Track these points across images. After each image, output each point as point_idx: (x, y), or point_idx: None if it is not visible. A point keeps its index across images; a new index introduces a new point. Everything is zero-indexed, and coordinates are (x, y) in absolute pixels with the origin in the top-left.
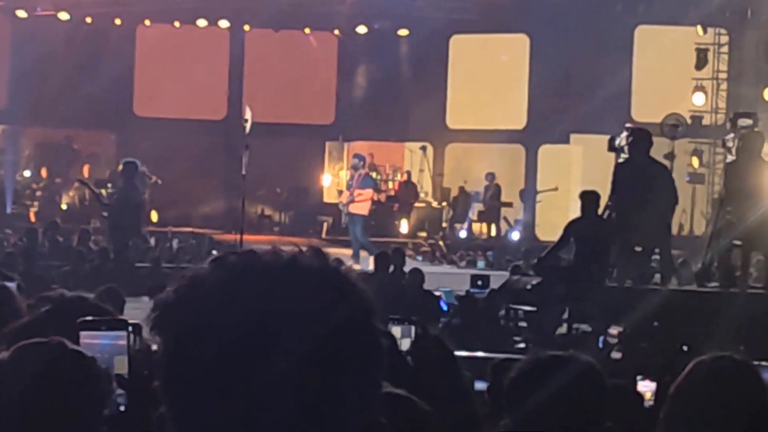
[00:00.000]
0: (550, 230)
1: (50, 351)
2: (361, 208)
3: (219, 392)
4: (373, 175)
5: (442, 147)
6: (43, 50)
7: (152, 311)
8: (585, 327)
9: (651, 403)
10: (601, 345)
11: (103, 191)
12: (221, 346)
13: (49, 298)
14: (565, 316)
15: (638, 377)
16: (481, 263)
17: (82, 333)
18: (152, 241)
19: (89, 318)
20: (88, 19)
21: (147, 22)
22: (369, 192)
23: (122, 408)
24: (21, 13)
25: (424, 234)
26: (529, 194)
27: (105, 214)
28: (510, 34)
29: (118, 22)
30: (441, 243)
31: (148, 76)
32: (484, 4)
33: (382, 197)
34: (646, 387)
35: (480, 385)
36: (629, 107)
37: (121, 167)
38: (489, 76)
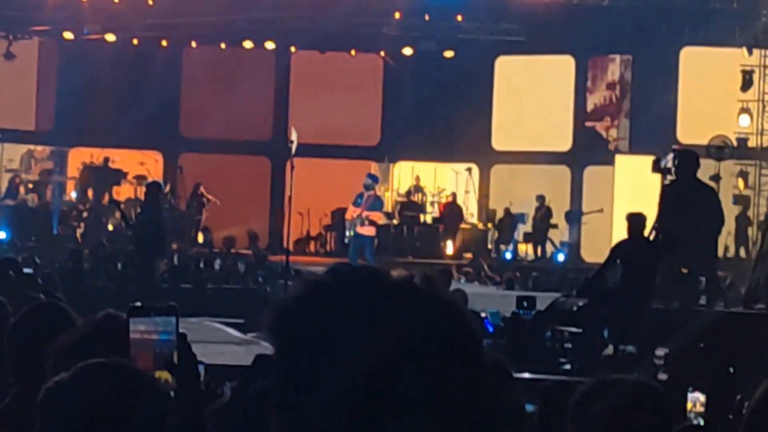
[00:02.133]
0: (595, 252)
1: (111, 372)
2: (369, 229)
3: (330, 401)
4: (417, 197)
5: (488, 168)
6: (90, 72)
7: (269, 314)
8: (631, 348)
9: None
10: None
11: None
12: (339, 357)
13: (95, 320)
14: (612, 337)
15: (689, 389)
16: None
17: (132, 321)
18: (201, 262)
19: (138, 304)
20: (135, 41)
21: (193, 44)
22: (378, 215)
23: (171, 393)
24: (68, 35)
25: (469, 255)
26: (574, 216)
27: (130, 233)
28: (556, 56)
29: (164, 44)
30: (485, 265)
31: (194, 97)
32: (530, 25)
33: (428, 218)
34: (696, 399)
35: (528, 408)
36: (675, 129)
37: (145, 188)
38: (535, 97)
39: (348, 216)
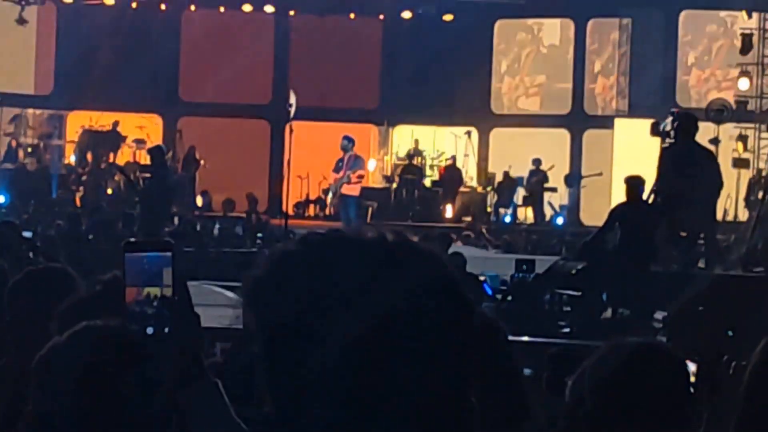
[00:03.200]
0: (595, 215)
1: (106, 335)
2: (353, 189)
3: (312, 365)
4: (416, 160)
5: (487, 132)
6: (89, 36)
7: (243, 288)
8: (629, 311)
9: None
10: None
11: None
12: (313, 321)
13: (102, 281)
14: (610, 300)
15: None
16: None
17: (127, 255)
18: (198, 225)
19: (133, 240)
20: (134, 5)
21: (192, 8)
22: (362, 172)
23: (167, 330)
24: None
25: (469, 219)
26: (573, 179)
27: (137, 199)
28: (555, 19)
29: (163, 7)
30: (483, 229)
31: (193, 61)
32: None
33: (427, 182)
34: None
35: (526, 371)
36: (674, 92)
37: (149, 154)
38: (533, 60)
39: (330, 180)
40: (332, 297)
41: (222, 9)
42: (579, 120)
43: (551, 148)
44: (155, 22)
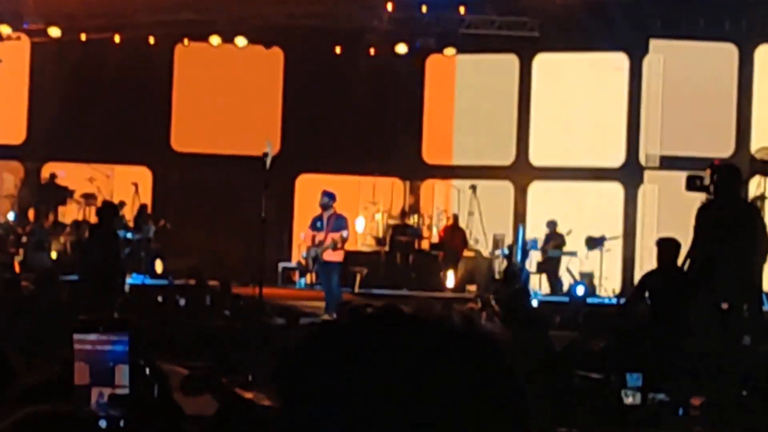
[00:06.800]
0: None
1: (48, 422)
2: (337, 254)
3: None
4: (412, 220)
5: (525, 186)
6: (66, 77)
7: (276, 361)
8: (662, 397)
9: None
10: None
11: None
12: (350, 408)
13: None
14: (639, 384)
15: None
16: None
17: (76, 336)
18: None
19: (84, 317)
20: (117, 38)
21: (186, 42)
22: (336, 236)
23: (122, 424)
24: (52, 33)
25: (473, 287)
26: (596, 242)
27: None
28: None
29: (152, 41)
30: (492, 300)
31: (187, 106)
32: (545, 19)
33: (425, 244)
34: None
35: None
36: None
37: (97, 213)
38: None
39: (307, 242)
40: (377, 382)
41: (214, 41)
42: (631, 173)
43: (571, 206)
44: (144, 57)
